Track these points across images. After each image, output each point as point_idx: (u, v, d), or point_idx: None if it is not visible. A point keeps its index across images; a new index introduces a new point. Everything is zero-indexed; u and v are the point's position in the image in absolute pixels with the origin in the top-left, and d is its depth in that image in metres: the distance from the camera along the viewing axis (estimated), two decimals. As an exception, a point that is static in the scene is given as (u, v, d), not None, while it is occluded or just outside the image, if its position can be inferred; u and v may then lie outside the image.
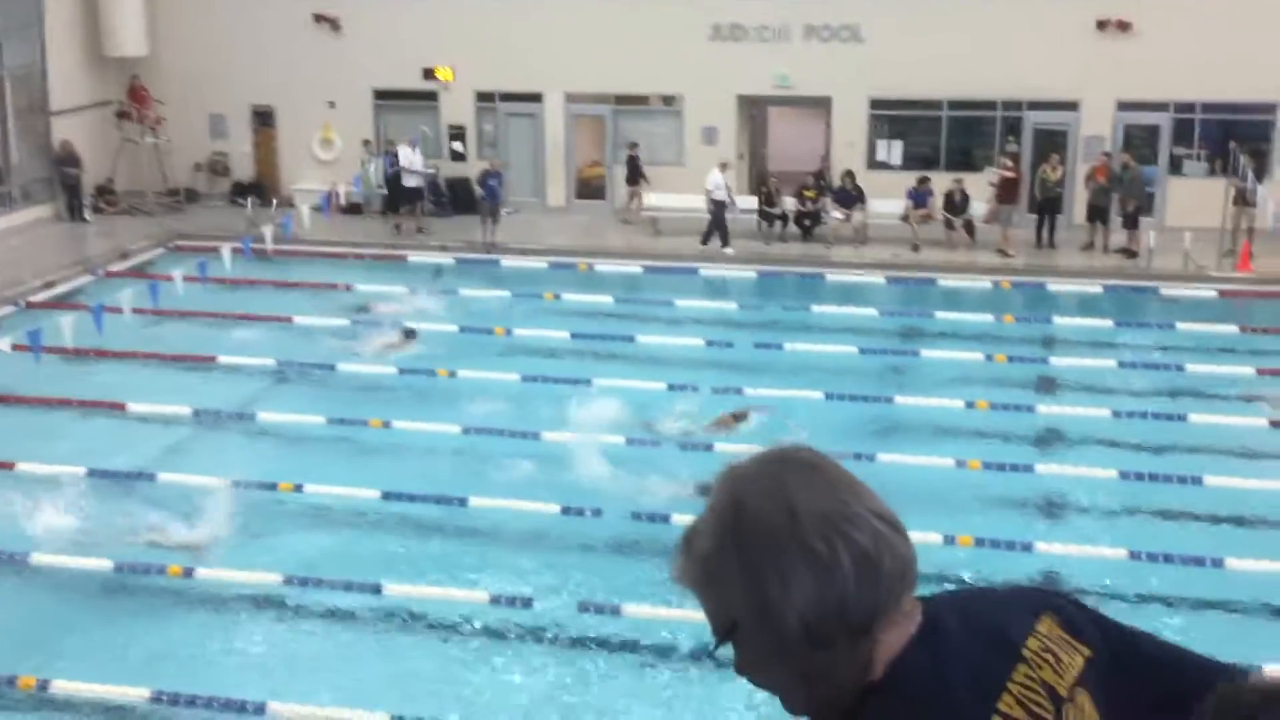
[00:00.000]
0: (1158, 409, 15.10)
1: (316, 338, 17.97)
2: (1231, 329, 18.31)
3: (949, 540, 11.33)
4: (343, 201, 23.83)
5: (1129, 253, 22.19)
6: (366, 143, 25.49)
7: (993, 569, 11.05)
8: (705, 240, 23.00)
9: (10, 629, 10.71)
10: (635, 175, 24.89)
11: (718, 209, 22.89)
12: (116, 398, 15.22)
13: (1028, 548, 11.55)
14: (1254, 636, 10.32)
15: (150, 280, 18.38)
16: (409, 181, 24.33)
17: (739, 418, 14.64)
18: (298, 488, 12.77)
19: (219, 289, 19.30)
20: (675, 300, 19.60)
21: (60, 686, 9.50)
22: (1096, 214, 22.71)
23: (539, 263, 22.06)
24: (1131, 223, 22.33)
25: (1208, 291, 20.40)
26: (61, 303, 19.19)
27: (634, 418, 14.70)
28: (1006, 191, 22.89)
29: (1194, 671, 1.83)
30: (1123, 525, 12.40)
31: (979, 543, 11.46)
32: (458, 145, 26.15)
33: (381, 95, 26.23)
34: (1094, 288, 20.87)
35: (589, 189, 26.26)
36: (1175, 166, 24.14)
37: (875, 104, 24.68)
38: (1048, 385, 16.45)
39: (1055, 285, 20.98)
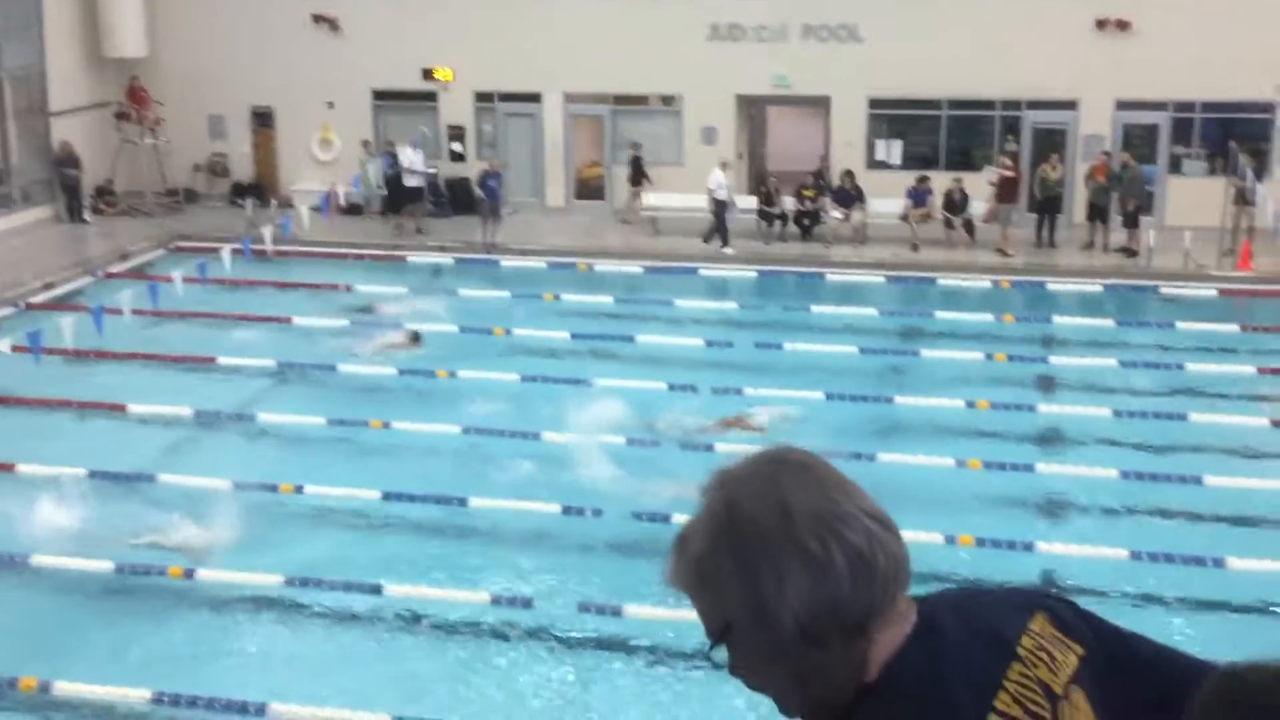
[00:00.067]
0: (1158, 408, 15.10)
1: (316, 338, 17.97)
2: (1232, 328, 18.32)
3: (950, 540, 11.34)
4: (342, 202, 23.82)
5: (1129, 252, 22.20)
6: (366, 143, 25.50)
7: (993, 569, 11.04)
8: (708, 239, 23.00)
9: (12, 630, 10.71)
10: (638, 176, 24.87)
11: (720, 208, 22.89)
12: (116, 399, 15.22)
13: (1028, 547, 11.55)
14: (1255, 636, 10.31)
15: (150, 281, 18.38)
16: (410, 182, 24.33)
17: (745, 422, 14.63)
18: (298, 488, 12.77)
19: (219, 290, 19.30)
20: (675, 300, 19.60)
21: (62, 688, 9.50)
22: (1096, 213, 22.71)
23: (538, 263, 22.06)
24: (1131, 222, 22.33)
25: (1208, 290, 20.41)
26: (61, 304, 19.20)
27: (634, 418, 14.69)
28: (1006, 191, 22.89)
29: (1185, 672, 1.83)
30: (1123, 525, 12.41)
31: (980, 543, 11.46)
32: (457, 146, 26.15)
33: (380, 96, 26.23)
34: (1094, 287, 20.88)
35: (588, 189, 26.26)
36: (1175, 166, 24.14)
37: (874, 103, 24.68)
38: (1048, 385, 16.45)
39: (1055, 284, 20.99)
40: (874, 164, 24.71)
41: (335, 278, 20.91)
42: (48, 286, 20.51)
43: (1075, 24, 23.41)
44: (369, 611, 10.84)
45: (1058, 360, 17.20)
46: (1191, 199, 23.02)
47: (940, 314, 19.15)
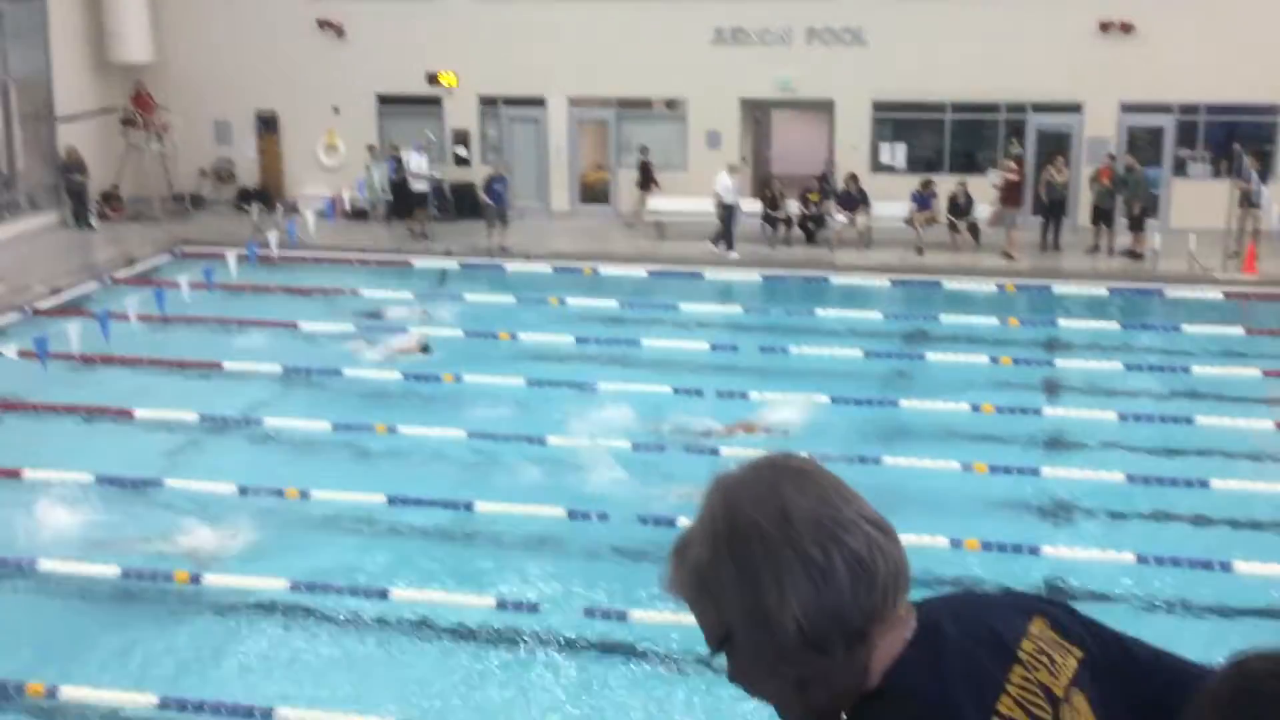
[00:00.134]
0: (1164, 411, 15.09)
1: (322, 343, 18.00)
2: (1237, 331, 18.32)
3: (955, 544, 11.33)
4: (347, 207, 23.85)
5: (1134, 255, 22.19)
6: (371, 148, 25.54)
7: (999, 573, 11.03)
8: (716, 241, 22.98)
9: (19, 635, 10.72)
10: (647, 180, 24.88)
11: (728, 212, 22.88)
12: (123, 404, 15.25)
13: (1034, 551, 11.54)
14: (1261, 640, 10.27)
15: (156, 286, 18.41)
16: (416, 186, 24.37)
17: (750, 426, 14.63)
18: (304, 493, 12.79)
19: (224, 295, 19.34)
20: (680, 304, 19.61)
21: (69, 693, 9.51)
22: (1101, 216, 22.70)
23: (543, 267, 22.08)
24: (1136, 225, 22.32)
25: (1213, 293, 20.40)
26: (68, 309, 19.24)
27: (639, 422, 14.70)
28: (1010, 194, 22.88)
29: (1181, 676, 1.84)
30: (1129, 528, 12.39)
31: (986, 546, 11.45)
32: (461, 150, 26.18)
33: (385, 100, 26.28)
34: (1099, 290, 20.86)
35: (592, 193, 26.28)
36: (1179, 168, 24.13)
37: (878, 107, 24.70)
38: (1053, 388, 16.44)
39: (1060, 287, 20.98)
40: (878, 167, 24.72)
41: (341, 282, 20.94)
42: (54, 292, 20.54)
43: (1079, 27, 23.42)
44: (375, 616, 10.85)
45: (1063, 363, 17.20)
46: (1196, 202, 23.01)
47: (945, 317, 19.15)
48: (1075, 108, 23.99)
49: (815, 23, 24.45)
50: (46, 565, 11.49)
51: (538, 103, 25.81)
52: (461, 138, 26.20)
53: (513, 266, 22.28)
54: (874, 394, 15.61)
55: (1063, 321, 18.99)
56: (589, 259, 22.39)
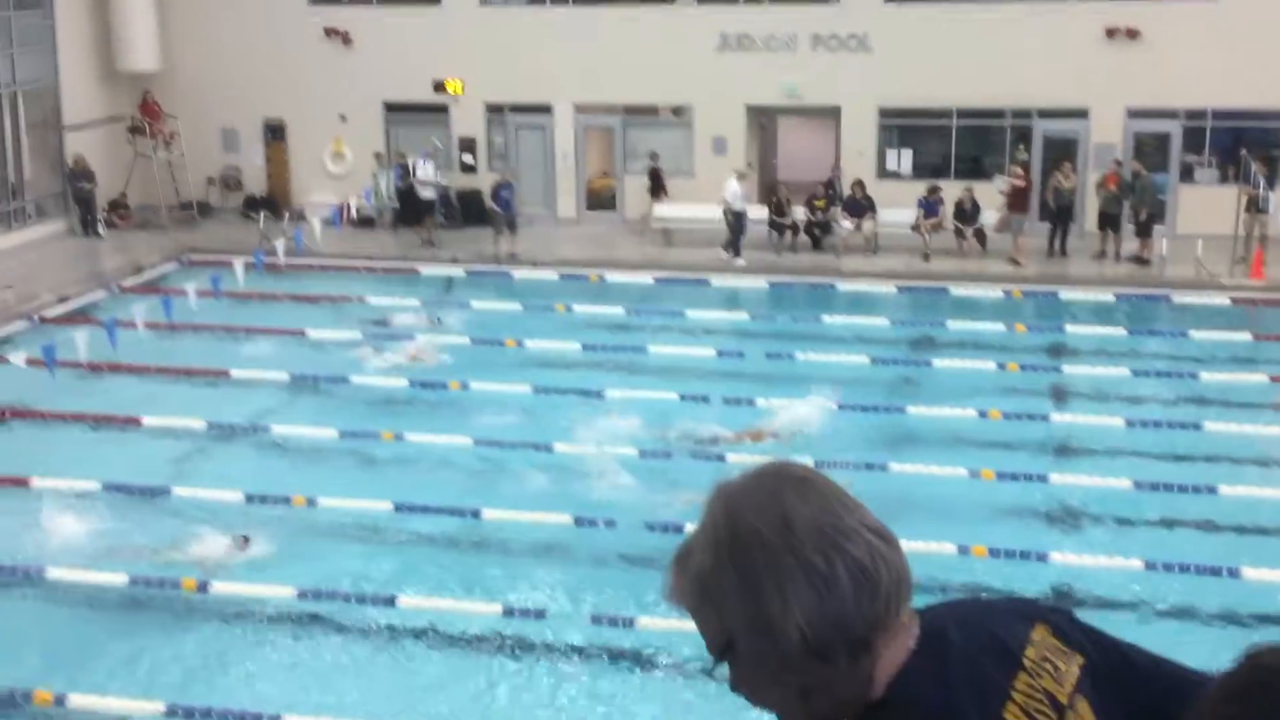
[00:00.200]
0: (1171, 418, 15.06)
1: (329, 351, 18.02)
2: (1245, 336, 18.29)
3: (963, 551, 11.33)
4: (354, 214, 23.91)
5: (1141, 261, 22.15)
6: (377, 155, 25.58)
7: (1007, 580, 11.02)
8: (727, 247, 22.95)
9: (27, 643, 10.74)
10: (658, 187, 24.87)
11: (737, 219, 22.87)
12: (130, 412, 15.28)
13: (1042, 558, 11.52)
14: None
15: (163, 294, 18.45)
16: (423, 194, 24.41)
17: (757, 433, 14.63)
18: (311, 501, 12.80)
19: (232, 303, 19.38)
20: (686, 311, 19.61)
21: (76, 700, 9.53)
22: (1108, 222, 22.66)
23: (550, 274, 22.09)
24: (1143, 231, 22.29)
25: (1220, 299, 20.36)
26: (75, 317, 19.27)
27: (646, 429, 14.71)
28: (1017, 200, 22.86)
29: (1181, 684, 1.84)
30: (1137, 535, 12.36)
31: (993, 553, 11.44)
32: (468, 157, 26.21)
33: (392, 108, 26.33)
34: (1106, 296, 20.82)
35: (599, 200, 26.30)
36: (1186, 174, 24.10)
37: (884, 113, 24.69)
38: (1060, 394, 16.42)
39: (1067, 294, 20.94)
40: (885, 174, 24.71)
41: (348, 290, 20.96)
42: (62, 300, 20.58)
43: (1085, 33, 23.40)
44: (382, 623, 10.86)
45: (1070, 369, 17.17)
46: (1203, 207, 22.97)
47: (952, 324, 19.12)
48: (1082, 114, 23.97)
49: (821, 29, 24.46)
50: (54, 573, 11.51)
51: (544, 110, 25.85)
52: (468, 145, 26.23)
53: (520, 274, 22.29)
54: (881, 400, 15.60)
55: (1070, 327, 18.97)
56: (596, 266, 22.39)
